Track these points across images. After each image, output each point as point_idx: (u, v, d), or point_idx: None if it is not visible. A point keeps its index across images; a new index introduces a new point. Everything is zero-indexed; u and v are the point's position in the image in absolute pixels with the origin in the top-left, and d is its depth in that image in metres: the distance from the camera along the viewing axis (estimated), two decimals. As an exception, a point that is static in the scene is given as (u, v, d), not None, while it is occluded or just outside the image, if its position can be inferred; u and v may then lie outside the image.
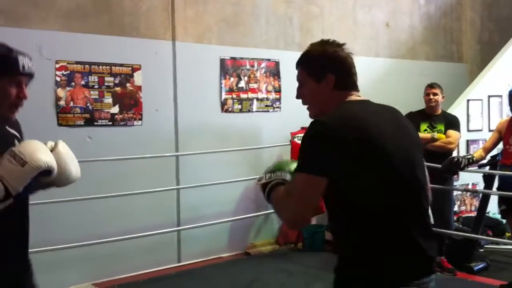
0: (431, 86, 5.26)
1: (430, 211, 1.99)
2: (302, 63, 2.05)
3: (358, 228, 1.84)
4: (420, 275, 1.86)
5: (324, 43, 2.03)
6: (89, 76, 4.97)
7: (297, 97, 2.10)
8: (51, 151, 2.10)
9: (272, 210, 5.88)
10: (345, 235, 1.90)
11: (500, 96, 6.67)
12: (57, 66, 4.80)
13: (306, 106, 2.10)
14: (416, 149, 1.97)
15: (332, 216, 1.94)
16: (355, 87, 2.01)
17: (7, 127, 2.16)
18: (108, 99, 5.06)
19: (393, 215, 1.83)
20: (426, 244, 1.87)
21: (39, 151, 1.97)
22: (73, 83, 4.88)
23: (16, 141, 2.13)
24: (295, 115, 6.29)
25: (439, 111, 5.29)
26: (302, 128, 6.08)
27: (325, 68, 1.98)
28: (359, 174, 1.78)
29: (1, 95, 2.05)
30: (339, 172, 1.77)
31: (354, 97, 1.98)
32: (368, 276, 1.83)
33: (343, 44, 2.03)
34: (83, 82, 4.93)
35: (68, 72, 4.85)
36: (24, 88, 2.11)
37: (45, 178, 2.04)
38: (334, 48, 2.00)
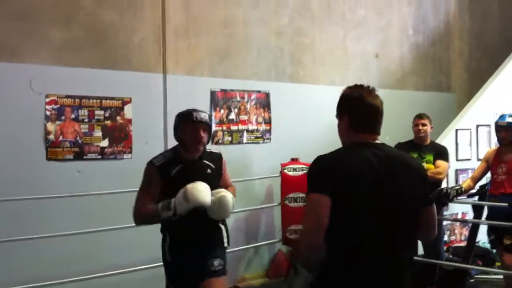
0: (419, 116, 5.30)
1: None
2: None
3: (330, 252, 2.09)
4: None
5: (354, 87, 2.27)
6: (79, 110, 5.00)
7: None
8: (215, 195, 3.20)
9: (262, 242, 5.94)
10: None
11: (489, 125, 6.70)
12: (47, 100, 4.84)
13: None
14: (396, 199, 2.11)
15: None
16: (370, 131, 2.21)
17: (203, 160, 3.38)
18: (98, 133, 5.09)
19: (352, 250, 2.07)
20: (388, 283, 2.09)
21: (199, 196, 3.09)
22: (63, 117, 4.91)
23: (209, 170, 3.36)
24: (285, 147, 6.36)
25: (428, 141, 5.32)
26: (292, 159, 6.11)
27: (342, 109, 2.25)
28: (334, 203, 2.05)
29: (187, 138, 3.33)
30: (330, 195, 2.04)
31: (364, 139, 2.19)
32: None
33: (373, 89, 2.25)
34: (73, 116, 4.96)
35: (58, 106, 4.89)
36: (199, 132, 3.29)
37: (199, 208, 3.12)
38: (360, 93, 2.22)
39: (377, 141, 2.23)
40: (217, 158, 3.47)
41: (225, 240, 3.44)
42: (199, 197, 3.09)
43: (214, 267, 3.30)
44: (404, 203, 2.13)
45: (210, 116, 3.51)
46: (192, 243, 3.32)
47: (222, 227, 3.45)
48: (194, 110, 3.38)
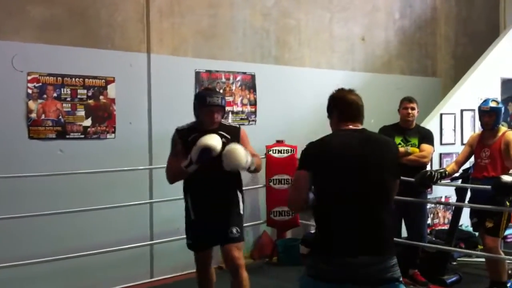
0: (409, 100, 5.21)
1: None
2: None
3: (315, 215, 2.77)
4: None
5: (338, 90, 2.89)
6: (62, 89, 4.92)
7: None
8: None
9: (247, 224, 5.93)
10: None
11: (473, 110, 6.72)
12: (29, 78, 4.75)
13: None
14: (372, 169, 2.66)
15: None
16: (352, 120, 2.81)
17: (219, 131, 3.76)
18: (81, 112, 5.02)
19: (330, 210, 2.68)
20: (356, 236, 2.59)
21: (206, 139, 3.57)
22: (45, 96, 4.83)
23: (223, 139, 3.69)
24: (270, 129, 6.33)
25: (413, 125, 5.29)
26: (277, 141, 6.09)
27: (331, 108, 2.88)
28: (316, 175, 2.69)
29: (204, 119, 3.79)
30: (311, 171, 2.69)
31: (348, 126, 2.79)
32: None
33: (352, 90, 2.87)
34: (55, 95, 4.88)
35: (40, 84, 4.80)
36: (213, 114, 3.76)
37: (209, 154, 3.56)
38: (342, 93, 2.86)
39: (359, 127, 2.81)
40: (234, 130, 3.89)
41: (241, 206, 3.88)
42: (203, 139, 3.56)
43: (233, 235, 3.75)
44: (374, 171, 2.66)
45: (222, 98, 3.86)
46: (209, 203, 3.75)
47: (239, 193, 3.89)
48: (208, 93, 3.84)
